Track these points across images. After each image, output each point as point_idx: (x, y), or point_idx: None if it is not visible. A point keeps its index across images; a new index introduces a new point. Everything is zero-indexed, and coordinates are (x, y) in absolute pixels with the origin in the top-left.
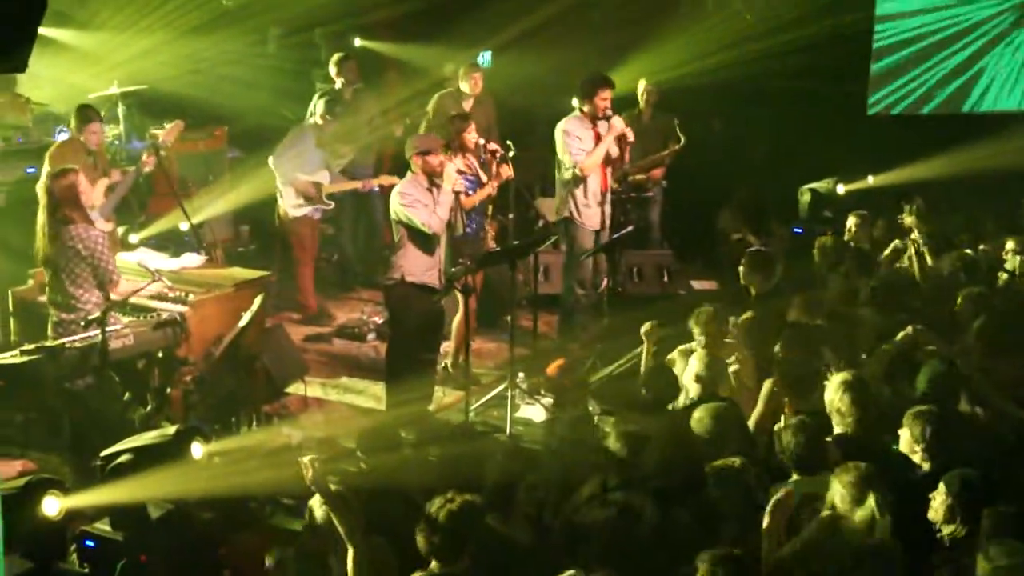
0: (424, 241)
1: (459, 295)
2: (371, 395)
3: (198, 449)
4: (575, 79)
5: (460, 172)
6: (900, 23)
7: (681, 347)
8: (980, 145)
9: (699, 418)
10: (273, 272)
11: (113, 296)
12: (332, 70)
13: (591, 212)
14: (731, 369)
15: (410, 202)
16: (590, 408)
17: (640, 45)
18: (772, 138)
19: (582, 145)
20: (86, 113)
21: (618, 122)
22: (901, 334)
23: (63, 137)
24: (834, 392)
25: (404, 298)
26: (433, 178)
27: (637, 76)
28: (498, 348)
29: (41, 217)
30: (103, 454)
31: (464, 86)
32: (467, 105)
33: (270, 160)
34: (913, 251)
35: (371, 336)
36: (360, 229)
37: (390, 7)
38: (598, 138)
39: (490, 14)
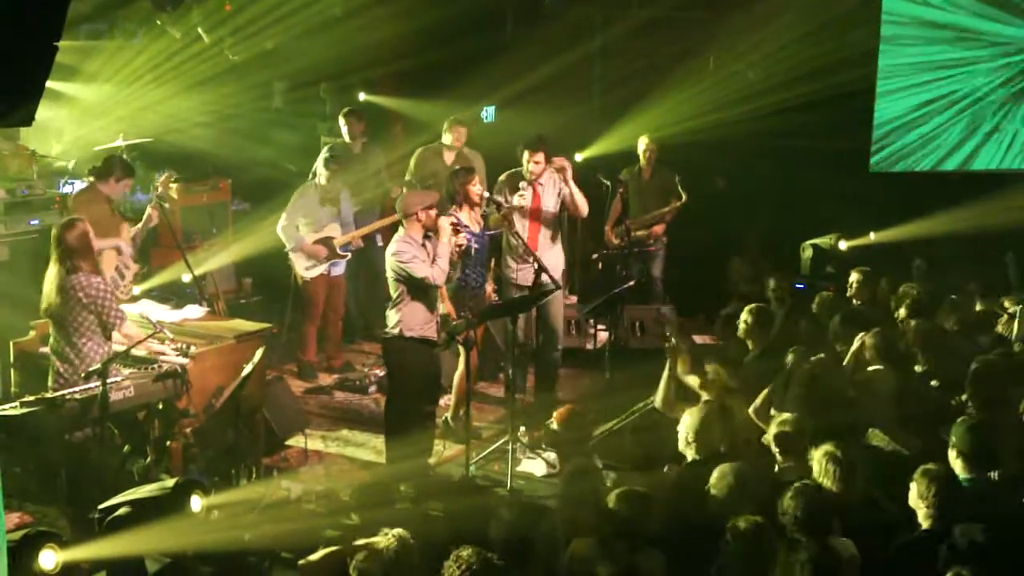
0: (425, 295)
1: (460, 348)
2: (372, 448)
3: (197, 502)
4: (577, 134)
5: (465, 226)
6: (902, 81)
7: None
8: (982, 203)
9: (717, 478)
10: (275, 325)
11: (119, 339)
12: (341, 122)
13: (515, 267)
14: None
15: (408, 259)
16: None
17: (642, 102)
18: (776, 194)
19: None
20: (126, 167)
21: (522, 197)
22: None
23: (68, 189)
24: (818, 463)
25: (402, 352)
26: (427, 231)
27: (639, 133)
28: (498, 401)
29: (52, 267)
30: (101, 507)
31: (447, 138)
32: (448, 158)
33: (278, 228)
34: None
35: (372, 389)
36: (361, 281)
37: (395, 62)
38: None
39: (494, 69)
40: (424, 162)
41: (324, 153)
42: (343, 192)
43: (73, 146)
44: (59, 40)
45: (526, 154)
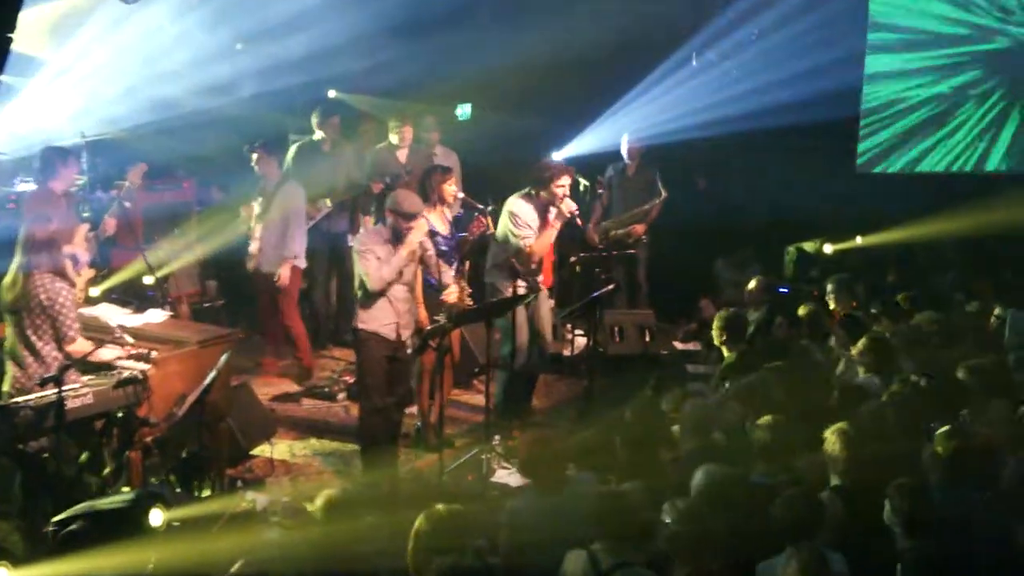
0: (367, 293)
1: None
2: (340, 457)
3: (157, 516)
4: (555, 133)
5: (438, 233)
6: (889, 83)
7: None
8: (970, 206)
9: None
10: (242, 329)
11: (70, 351)
12: (313, 120)
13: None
14: None
15: (364, 251)
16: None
17: (622, 100)
18: (761, 196)
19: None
20: (64, 154)
21: (569, 204)
22: None
23: (24, 187)
24: (830, 440)
25: (365, 343)
26: (399, 235)
27: (619, 131)
28: (472, 408)
29: (15, 261)
30: (55, 519)
31: (393, 138)
32: (401, 156)
33: None
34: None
35: (341, 396)
36: (332, 283)
37: (367, 58)
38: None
39: (469, 66)
40: (381, 163)
41: (292, 150)
42: (281, 189)
43: (30, 142)
44: (12, 32)
45: (556, 179)
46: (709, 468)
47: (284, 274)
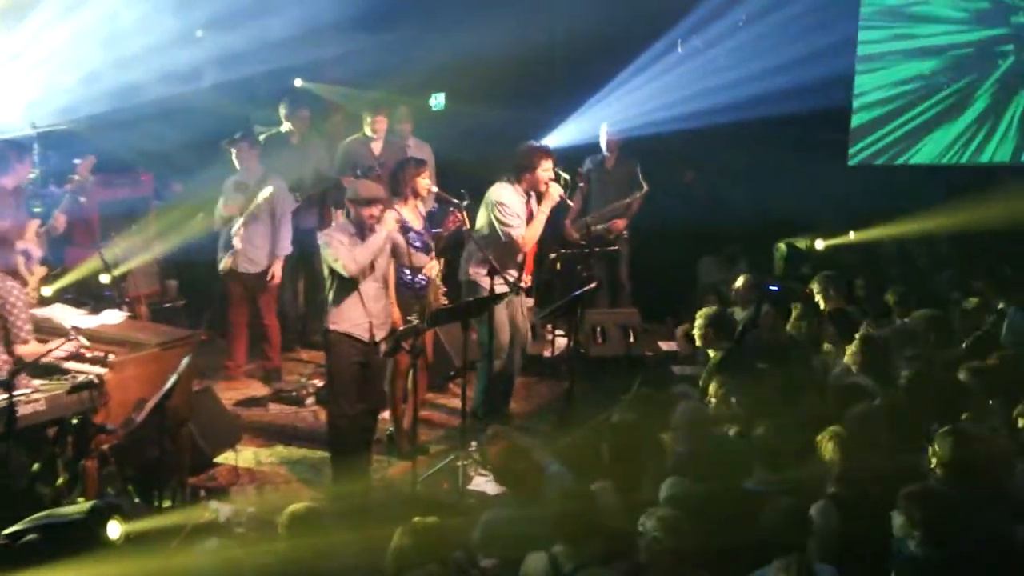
0: (345, 287)
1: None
2: (309, 465)
3: (115, 528)
4: (534, 124)
5: (411, 229)
6: (883, 71)
7: None
8: (967, 199)
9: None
10: (204, 330)
11: (21, 354)
12: (281, 111)
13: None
14: None
15: (329, 240)
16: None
17: (604, 89)
18: (749, 190)
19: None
20: (20, 150)
21: (555, 189)
22: None
23: None
24: (824, 445)
25: (337, 344)
26: (363, 227)
27: (600, 122)
28: (448, 413)
29: None
30: (6, 532)
31: (367, 129)
32: (376, 148)
33: None
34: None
35: (310, 401)
36: (300, 284)
37: (334, 45)
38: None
39: (443, 54)
40: (351, 155)
41: (263, 140)
42: (266, 185)
43: None
44: None
45: (540, 163)
46: (674, 481)
47: (277, 272)
